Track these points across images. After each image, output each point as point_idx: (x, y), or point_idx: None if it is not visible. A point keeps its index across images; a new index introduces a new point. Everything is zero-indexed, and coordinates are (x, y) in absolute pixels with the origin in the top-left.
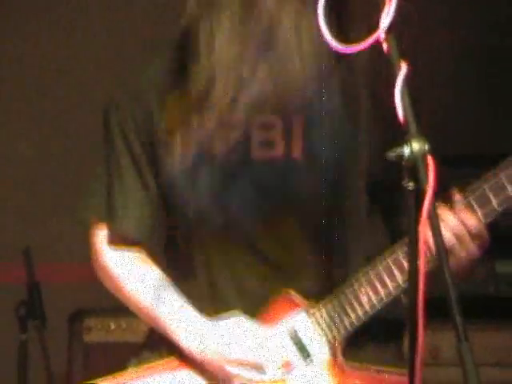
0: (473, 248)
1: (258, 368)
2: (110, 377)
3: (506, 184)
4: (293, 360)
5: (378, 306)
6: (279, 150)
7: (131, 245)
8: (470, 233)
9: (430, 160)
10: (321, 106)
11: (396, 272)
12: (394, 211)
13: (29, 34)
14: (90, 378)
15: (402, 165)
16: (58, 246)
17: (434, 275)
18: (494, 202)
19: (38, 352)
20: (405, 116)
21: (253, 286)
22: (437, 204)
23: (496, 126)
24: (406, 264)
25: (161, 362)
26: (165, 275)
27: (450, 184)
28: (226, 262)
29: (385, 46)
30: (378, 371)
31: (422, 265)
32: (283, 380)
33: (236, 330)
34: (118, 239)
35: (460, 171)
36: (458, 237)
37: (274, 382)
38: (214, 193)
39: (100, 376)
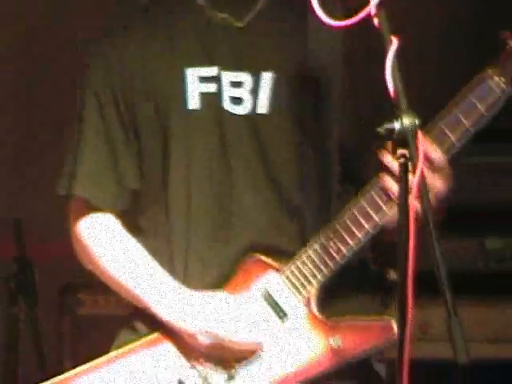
0: (438, 183)
1: (235, 337)
2: (90, 363)
3: (461, 119)
4: (269, 321)
5: (348, 255)
6: (247, 106)
7: (98, 211)
8: (432, 167)
9: (420, 135)
10: (290, 66)
11: (362, 220)
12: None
13: None
14: (81, 352)
15: (392, 139)
16: (48, 222)
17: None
18: (452, 138)
19: (28, 325)
20: (395, 91)
21: (217, 251)
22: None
23: None
24: (371, 211)
25: (142, 339)
26: (137, 244)
27: None
28: (188, 225)
29: (375, 21)
30: (358, 321)
31: (412, 238)
32: (259, 343)
33: (213, 303)
34: (87, 208)
35: None
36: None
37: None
38: (184, 146)
39: (90, 351)
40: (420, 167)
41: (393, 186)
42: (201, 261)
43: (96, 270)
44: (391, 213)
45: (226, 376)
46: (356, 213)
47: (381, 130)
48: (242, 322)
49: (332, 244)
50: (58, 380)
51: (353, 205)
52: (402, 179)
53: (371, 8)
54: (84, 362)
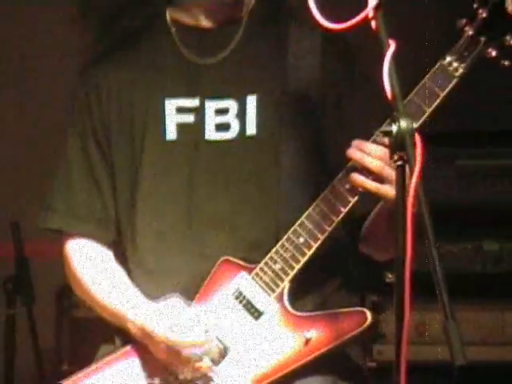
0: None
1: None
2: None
3: (417, 101)
4: (242, 321)
5: (315, 247)
6: (234, 130)
7: (87, 242)
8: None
9: (417, 138)
10: (273, 86)
11: (329, 213)
12: None
13: None
14: (78, 353)
15: (390, 141)
16: None
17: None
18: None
19: (25, 327)
20: (392, 93)
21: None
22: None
23: (477, 104)
24: (337, 203)
25: (116, 353)
26: (115, 265)
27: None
28: (168, 247)
29: (373, 24)
30: (332, 313)
31: (410, 241)
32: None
33: (174, 312)
34: (75, 239)
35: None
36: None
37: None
38: (163, 176)
39: (87, 353)
40: (418, 170)
41: (357, 179)
42: (171, 279)
43: (79, 291)
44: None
45: (204, 378)
46: (323, 206)
47: (377, 133)
48: (195, 326)
49: (301, 239)
50: None
51: (319, 199)
52: (399, 182)
53: (369, 11)
54: (81, 364)
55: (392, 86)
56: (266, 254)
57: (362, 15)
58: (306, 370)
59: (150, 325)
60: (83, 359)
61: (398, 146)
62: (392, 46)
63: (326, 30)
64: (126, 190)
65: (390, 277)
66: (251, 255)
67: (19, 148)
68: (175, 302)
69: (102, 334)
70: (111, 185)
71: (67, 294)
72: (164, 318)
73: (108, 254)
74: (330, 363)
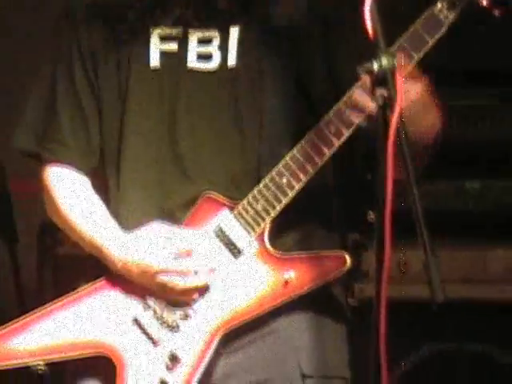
0: (415, 88)
1: (180, 274)
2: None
3: (407, 47)
4: (222, 258)
5: (297, 188)
6: (216, 61)
7: (65, 168)
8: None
9: (398, 74)
10: (258, 17)
11: (313, 155)
12: None
13: None
14: (60, 291)
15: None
16: (31, 161)
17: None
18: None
19: (8, 264)
20: (374, 31)
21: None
22: None
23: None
24: (320, 145)
25: (88, 286)
26: (93, 195)
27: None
28: (150, 175)
29: None
30: (311, 254)
31: (390, 180)
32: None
33: (156, 237)
34: (53, 164)
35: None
36: None
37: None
38: (147, 104)
39: (69, 288)
40: (399, 106)
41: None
42: (150, 212)
43: (58, 219)
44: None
45: (181, 313)
46: (307, 147)
47: (360, 69)
48: (174, 249)
49: (284, 179)
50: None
51: (304, 140)
52: (382, 120)
53: None
54: None
55: (373, 24)
56: (247, 188)
57: None
58: (289, 308)
59: (129, 254)
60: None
61: (380, 83)
62: None
63: None
64: (112, 119)
65: (371, 216)
66: (232, 188)
67: (3, 85)
68: (158, 225)
69: (84, 271)
70: (96, 113)
71: (50, 231)
72: (143, 243)
73: (87, 183)
74: (312, 301)
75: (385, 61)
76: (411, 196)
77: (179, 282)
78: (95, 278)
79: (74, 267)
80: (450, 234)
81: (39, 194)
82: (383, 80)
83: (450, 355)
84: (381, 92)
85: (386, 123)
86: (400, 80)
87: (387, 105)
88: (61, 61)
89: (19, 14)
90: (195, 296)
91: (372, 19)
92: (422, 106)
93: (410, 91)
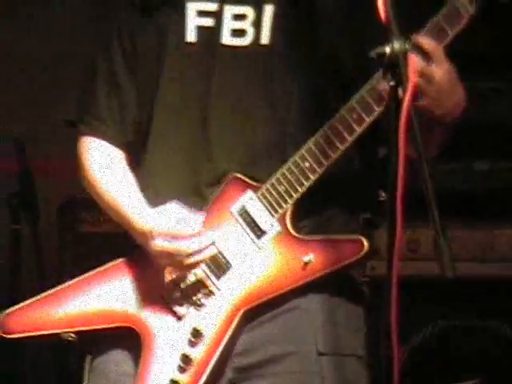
0: (437, 73)
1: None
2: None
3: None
4: (245, 237)
5: (319, 172)
6: (249, 38)
7: (101, 139)
8: (426, 56)
9: (410, 58)
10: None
11: (335, 140)
12: None
13: None
14: (80, 268)
15: (383, 62)
16: (50, 142)
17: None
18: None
19: (30, 242)
20: (386, 16)
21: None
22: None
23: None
24: (342, 131)
25: (117, 262)
26: (126, 168)
27: None
28: (180, 150)
29: None
30: (331, 238)
31: (402, 162)
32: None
33: (170, 217)
34: (90, 134)
35: None
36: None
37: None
38: (181, 78)
39: (90, 266)
40: (410, 89)
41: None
42: (179, 187)
43: (89, 188)
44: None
45: (205, 291)
46: (330, 133)
47: (372, 53)
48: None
49: (307, 163)
50: (48, 293)
51: (327, 126)
52: (392, 101)
53: None
54: None
55: (386, 9)
56: (272, 167)
57: None
58: (308, 288)
59: (155, 225)
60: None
61: (392, 66)
62: None
63: None
64: (147, 93)
65: (383, 195)
66: (257, 166)
67: (27, 66)
68: (176, 206)
69: (104, 248)
70: (133, 90)
71: (70, 209)
72: (168, 217)
73: (120, 156)
74: (330, 282)
75: (397, 44)
76: (422, 175)
77: (179, 251)
78: (116, 255)
79: (93, 244)
80: (460, 214)
81: (58, 173)
82: (395, 62)
83: (460, 332)
84: (393, 74)
85: (397, 104)
86: (413, 62)
87: (399, 86)
88: (101, 40)
89: None
90: (200, 258)
91: (384, 4)
92: (449, 86)
93: (437, 72)
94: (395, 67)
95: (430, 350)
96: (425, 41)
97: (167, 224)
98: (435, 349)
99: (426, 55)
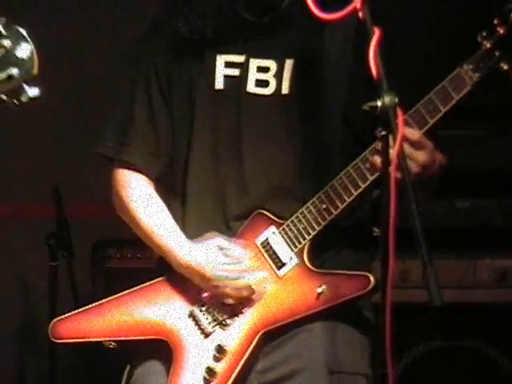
0: (421, 157)
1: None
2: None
3: (436, 101)
4: (267, 268)
5: (335, 214)
6: (272, 88)
7: (138, 173)
8: (412, 144)
9: (399, 111)
10: (308, 53)
11: (350, 187)
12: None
13: None
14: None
15: (375, 115)
16: (82, 187)
17: (404, 210)
18: (427, 116)
19: (66, 276)
20: (378, 73)
21: (234, 210)
22: None
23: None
24: (358, 181)
25: (152, 282)
26: (162, 202)
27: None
28: (213, 185)
29: (360, 14)
30: (341, 274)
31: (393, 201)
32: (255, 285)
33: (213, 247)
34: (127, 169)
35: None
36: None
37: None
38: (211, 122)
39: None
40: (399, 139)
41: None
42: (209, 219)
43: (127, 218)
44: (373, 179)
45: (230, 313)
46: (345, 179)
47: (365, 106)
48: (226, 258)
49: (324, 205)
50: (94, 305)
51: (343, 173)
52: (383, 150)
53: (356, 2)
54: None
55: (377, 67)
56: (292, 205)
57: (350, 7)
58: (321, 314)
59: (198, 261)
60: None
61: (383, 119)
62: (377, 33)
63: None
64: (181, 132)
65: (376, 231)
66: (279, 203)
67: (58, 116)
68: (219, 238)
69: (132, 282)
70: (168, 126)
71: (101, 247)
72: (202, 251)
73: (154, 188)
74: (341, 310)
75: (387, 99)
76: (411, 214)
77: (228, 285)
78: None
79: (122, 278)
80: (444, 246)
81: (91, 215)
82: (386, 116)
83: (446, 352)
84: (384, 126)
85: (387, 154)
86: (401, 116)
87: (390, 136)
88: (140, 78)
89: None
90: (243, 296)
91: (375, 60)
92: (430, 161)
93: (421, 155)
94: (386, 119)
95: (419, 369)
96: (410, 133)
97: (213, 259)
98: (425, 368)
99: (411, 144)
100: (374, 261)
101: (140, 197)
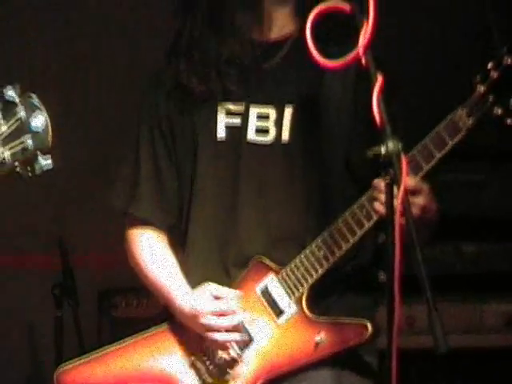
0: (420, 201)
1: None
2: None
3: (430, 147)
4: (265, 315)
5: (332, 261)
6: (272, 136)
7: (146, 225)
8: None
9: (402, 158)
10: (308, 99)
11: (346, 233)
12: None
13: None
14: None
15: (379, 161)
16: (88, 237)
17: (409, 256)
18: (422, 162)
19: (72, 326)
20: (381, 120)
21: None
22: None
23: None
24: (354, 227)
25: (154, 331)
26: (168, 251)
27: None
28: (214, 233)
29: (363, 61)
30: (340, 321)
31: (398, 248)
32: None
33: (209, 294)
34: (137, 221)
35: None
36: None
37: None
38: (213, 171)
39: None
40: (403, 185)
41: (377, 206)
42: (209, 266)
43: (136, 270)
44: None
45: (229, 361)
46: (342, 226)
47: (369, 153)
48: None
49: (322, 252)
50: (96, 355)
51: (340, 219)
52: (388, 196)
53: (359, 49)
54: None
55: (380, 114)
56: (293, 252)
57: (353, 54)
58: (321, 363)
59: (194, 309)
60: None
61: (387, 165)
62: (379, 80)
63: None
64: (186, 181)
65: (382, 276)
66: (278, 250)
67: (64, 168)
68: (215, 287)
69: (138, 330)
70: (175, 177)
71: (107, 296)
72: (206, 301)
73: (163, 239)
74: (342, 358)
75: (391, 145)
76: (416, 259)
77: (219, 323)
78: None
79: (127, 327)
80: (451, 291)
81: (96, 264)
82: (390, 162)
83: None
84: (388, 172)
85: (391, 200)
86: (405, 162)
87: (394, 183)
88: (144, 131)
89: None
90: (235, 340)
91: (379, 108)
92: (429, 204)
93: (421, 200)
94: (390, 166)
95: None
96: (410, 182)
97: (209, 305)
98: None
99: (412, 191)
100: (378, 306)
101: (148, 251)
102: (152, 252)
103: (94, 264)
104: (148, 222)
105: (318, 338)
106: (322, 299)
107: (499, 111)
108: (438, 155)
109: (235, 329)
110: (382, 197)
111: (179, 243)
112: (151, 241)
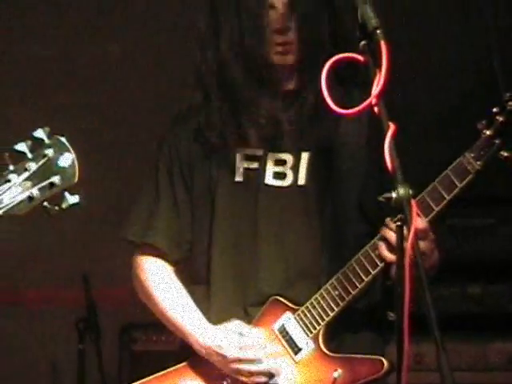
0: (424, 246)
1: (253, 362)
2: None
3: (440, 189)
4: (284, 353)
5: (347, 299)
6: (289, 180)
7: (160, 256)
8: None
9: (412, 202)
10: (324, 144)
11: (360, 273)
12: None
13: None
14: (136, 380)
15: (390, 206)
16: (110, 272)
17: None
18: (432, 204)
19: (94, 359)
20: (392, 166)
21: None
22: None
23: None
24: (368, 267)
25: (176, 367)
26: (179, 284)
27: None
28: (233, 273)
29: (376, 110)
30: (356, 358)
31: (408, 288)
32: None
33: (232, 333)
34: (149, 251)
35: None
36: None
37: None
38: (231, 212)
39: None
40: (413, 229)
41: (384, 252)
42: (229, 304)
43: (148, 303)
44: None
45: None
46: (356, 266)
47: (381, 198)
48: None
49: (337, 292)
50: None
51: (354, 260)
52: (398, 239)
53: (372, 99)
54: None
55: (392, 160)
56: (309, 292)
57: (366, 103)
58: None
59: (218, 343)
60: None
61: (398, 210)
62: (391, 128)
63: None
64: (202, 220)
65: (391, 315)
66: (294, 289)
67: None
68: (239, 324)
69: (157, 364)
70: (189, 212)
71: (128, 331)
72: (223, 335)
73: (172, 272)
74: None
75: (402, 191)
76: (425, 300)
77: (246, 369)
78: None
79: (148, 361)
80: (457, 330)
81: (118, 300)
82: (400, 207)
83: None
84: (399, 217)
85: (402, 242)
86: (414, 207)
87: (404, 226)
88: (163, 166)
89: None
90: (261, 381)
91: (391, 155)
92: (431, 250)
93: (424, 244)
94: (400, 210)
95: None
96: (419, 225)
97: (233, 343)
98: None
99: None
100: (388, 344)
101: (160, 280)
102: (165, 284)
103: (115, 300)
104: (162, 253)
105: (335, 374)
106: (336, 335)
107: (505, 154)
108: (448, 197)
109: (261, 373)
110: (392, 237)
111: (189, 280)
112: (164, 273)
